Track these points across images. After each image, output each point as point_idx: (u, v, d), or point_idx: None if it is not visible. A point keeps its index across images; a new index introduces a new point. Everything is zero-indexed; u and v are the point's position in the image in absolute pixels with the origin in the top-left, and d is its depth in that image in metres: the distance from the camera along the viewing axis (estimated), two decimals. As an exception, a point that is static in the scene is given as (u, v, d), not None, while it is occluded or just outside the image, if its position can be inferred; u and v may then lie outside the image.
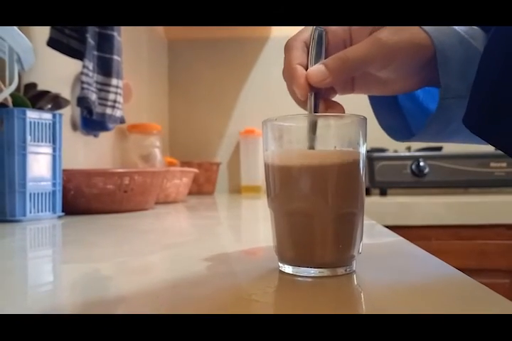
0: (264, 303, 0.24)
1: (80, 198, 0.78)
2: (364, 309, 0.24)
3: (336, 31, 0.34)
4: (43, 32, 0.84)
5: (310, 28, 0.34)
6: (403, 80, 0.36)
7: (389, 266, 0.34)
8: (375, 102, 0.42)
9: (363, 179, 0.30)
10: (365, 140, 0.30)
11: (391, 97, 0.41)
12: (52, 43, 0.71)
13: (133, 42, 1.36)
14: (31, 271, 0.37)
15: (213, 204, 1.19)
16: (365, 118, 0.30)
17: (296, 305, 0.24)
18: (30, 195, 0.68)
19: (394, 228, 0.97)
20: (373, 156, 1.26)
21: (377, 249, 0.42)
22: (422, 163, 1.24)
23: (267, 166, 0.31)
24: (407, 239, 0.45)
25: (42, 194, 0.70)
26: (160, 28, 1.66)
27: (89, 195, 0.78)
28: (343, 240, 0.29)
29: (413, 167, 1.24)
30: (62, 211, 0.74)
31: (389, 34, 0.32)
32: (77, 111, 0.97)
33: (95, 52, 0.76)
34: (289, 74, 0.33)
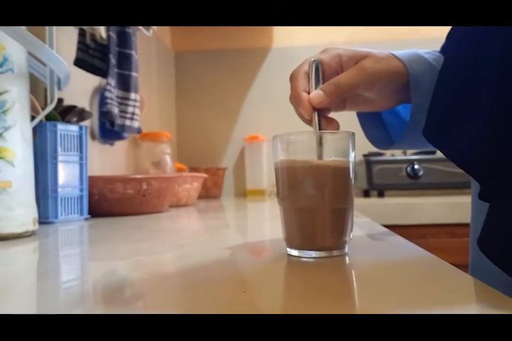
0: (278, 275, 0.32)
1: (104, 202, 0.86)
2: (354, 280, 0.32)
3: (329, 62, 0.41)
4: (66, 52, 0.93)
5: (308, 61, 0.42)
6: (384, 99, 0.44)
7: (375, 251, 0.42)
8: (362, 117, 0.50)
9: (353, 181, 0.38)
10: (353, 150, 0.38)
11: (375, 113, 0.49)
12: (79, 63, 0.79)
13: (143, 55, 1.44)
14: (63, 267, 0.42)
15: (221, 207, 1.26)
16: (353, 134, 0.37)
17: (303, 277, 0.32)
18: (61, 199, 0.76)
19: (391, 227, 1.04)
20: (371, 160, 1.34)
21: (367, 238, 0.50)
22: (416, 166, 1.32)
23: (276, 172, 0.39)
24: (405, 238, 0.50)
25: (71, 198, 0.78)
26: (167, 40, 1.75)
27: (111, 199, 0.86)
28: (337, 229, 0.36)
29: (408, 170, 1.32)
30: (88, 214, 0.81)
31: (372, 63, 0.40)
32: (96, 122, 1.05)
33: (116, 70, 0.84)
34: (295, 99, 0.41)
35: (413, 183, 1.32)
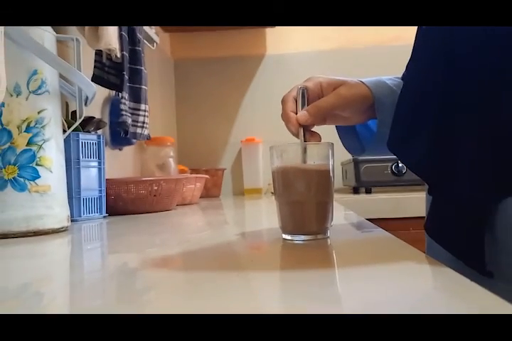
0: (276, 254, 0.43)
1: (119, 202, 0.96)
2: (334, 254, 0.43)
3: (313, 88, 0.52)
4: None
5: (296, 87, 0.52)
6: (357, 116, 0.55)
7: (351, 235, 0.53)
8: (340, 129, 0.61)
9: (332, 179, 0.48)
10: (332, 156, 0.48)
11: (350, 126, 0.60)
12: (96, 79, 0.90)
13: (146, 65, 1.54)
14: (86, 259, 0.48)
15: (222, 205, 1.37)
16: (332, 144, 0.48)
17: (295, 252, 0.43)
18: (84, 200, 0.86)
19: (378, 220, 1.15)
20: (358, 160, 1.45)
21: (346, 226, 0.61)
22: (400, 164, 1.43)
23: (273, 174, 0.49)
24: (389, 230, 0.58)
25: (91, 199, 0.88)
26: (167, 49, 1.85)
27: (126, 199, 0.96)
28: (320, 217, 0.47)
29: (393, 168, 1.43)
30: (106, 212, 0.91)
31: (345, 90, 0.51)
32: (107, 129, 1.16)
33: (128, 84, 0.95)
34: (285, 118, 0.51)
35: (397, 180, 1.43)
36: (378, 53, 1.81)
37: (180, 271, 0.37)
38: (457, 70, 0.40)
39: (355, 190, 1.54)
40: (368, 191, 1.50)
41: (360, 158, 1.45)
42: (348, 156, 1.56)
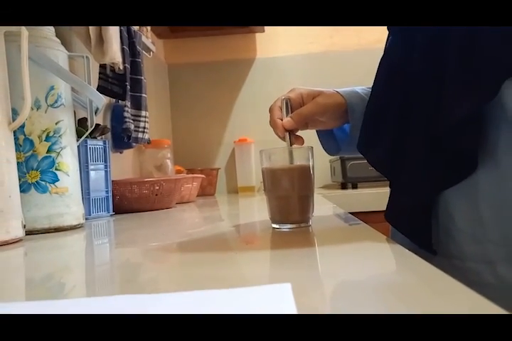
0: (266, 239, 0.52)
1: (124, 201, 1.05)
2: (315, 238, 0.52)
3: (295, 98, 0.62)
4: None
5: (281, 98, 0.62)
6: (333, 121, 0.64)
7: (330, 224, 0.62)
8: (320, 133, 0.71)
9: (313, 177, 0.57)
10: (312, 157, 0.58)
11: (329, 130, 0.70)
12: (100, 89, 0.98)
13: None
14: (96, 253, 0.54)
15: (217, 202, 1.45)
16: (312, 147, 0.58)
17: (283, 238, 0.52)
18: (93, 200, 0.95)
19: (364, 213, 1.24)
20: (345, 157, 1.54)
21: (327, 216, 0.71)
22: (384, 161, 1.53)
23: (263, 173, 0.59)
24: (374, 222, 0.64)
25: (99, 199, 0.97)
26: (161, 55, 1.93)
27: (130, 198, 1.05)
28: (303, 209, 0.57)
29: (377, 164, 1.53)
30: (113, 211, 1.00)
31: (323, 99, 0.61)
32: (109, 134, 1.24)
33: (130, 93, 1.04)
34: (273, 124, 0.61)
35: (381, 176, 1.51)
36: (361, 55, 1.90)
37: (185, 254, 0.46)
38: (409, 85, 0.49)
39: (343, 186, 1.64)
40: (355, 186, 1.59)
41: (347, 156, 1.55)
42: (336, 154, 1.66)
